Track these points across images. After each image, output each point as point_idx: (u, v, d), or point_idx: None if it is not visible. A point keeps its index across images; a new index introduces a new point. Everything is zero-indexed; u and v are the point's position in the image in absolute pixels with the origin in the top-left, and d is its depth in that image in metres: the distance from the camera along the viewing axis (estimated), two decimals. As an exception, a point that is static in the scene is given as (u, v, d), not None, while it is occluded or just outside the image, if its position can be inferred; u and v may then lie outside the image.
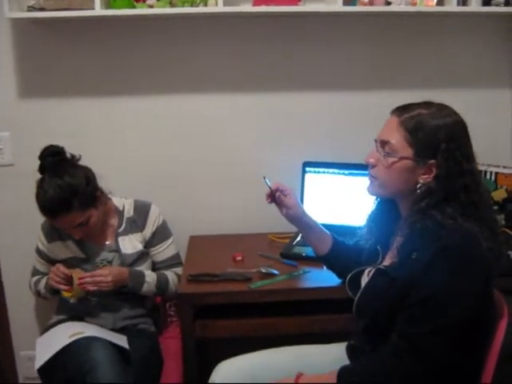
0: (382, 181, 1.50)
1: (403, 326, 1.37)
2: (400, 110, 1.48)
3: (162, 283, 2.17)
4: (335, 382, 1.42)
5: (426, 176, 1.42)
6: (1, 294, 2.57)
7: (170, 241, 2.26)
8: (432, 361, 1.33)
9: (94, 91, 2.41)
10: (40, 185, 1.99)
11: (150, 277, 2.15)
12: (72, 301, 2.08)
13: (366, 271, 1.59)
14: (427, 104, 1.47)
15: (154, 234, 2.22)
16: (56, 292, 2.14)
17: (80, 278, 2.00)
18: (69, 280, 2.02)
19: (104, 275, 2.01)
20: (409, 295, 1.37)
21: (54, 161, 2.03)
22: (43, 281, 2.21)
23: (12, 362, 2.66)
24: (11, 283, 2.55)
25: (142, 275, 2.13)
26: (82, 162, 2.10)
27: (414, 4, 2.20)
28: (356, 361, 1.58)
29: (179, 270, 2.23)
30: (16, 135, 2.43)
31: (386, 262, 1.54)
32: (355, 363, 1.55)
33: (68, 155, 2.08)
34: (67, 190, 1.95)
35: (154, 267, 2.25)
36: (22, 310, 2.59)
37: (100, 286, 2.00)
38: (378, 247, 1.61)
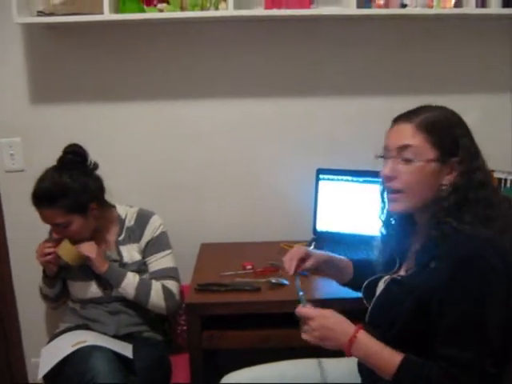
0: (407, 191, 1.39)
1: (446, 349, 1.28)
2: (407, 116, 1.42)
3: (142, 287, 2.06)
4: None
5: (449, 176, 1.37)
6: (12, 301, 2.58)
7: (165, 253, 2.16)
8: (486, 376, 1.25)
9: (104, 96, 2.40)
10: (42, 174, 2.02)
11: (132, 275, 2.07)
12: (72, 263, 2.04)
13: (383, 280, 1.54)
14: (428, 107, 1.44)
15: (148, 244, 2.15)
16: (52, 279, 2.14)
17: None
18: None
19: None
20: (436, 310, 1.29)
21: (72, 160, 2.06)
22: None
23: (23, 369, 2.66)
24: (22, 290, 2.54)
25: (123, 273, 2.07)
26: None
27: (431, 6, 2.13)
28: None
29: (171, 283, 2.11)
30: (27, 141, 2.43)
31: (402, 271, 1.49)
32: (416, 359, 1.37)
33: (88, 161, 2.09)
34: (59, 187, 1.97)
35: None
36: (32, 317, 2.59)
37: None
38: (395, 256, 1.55)
